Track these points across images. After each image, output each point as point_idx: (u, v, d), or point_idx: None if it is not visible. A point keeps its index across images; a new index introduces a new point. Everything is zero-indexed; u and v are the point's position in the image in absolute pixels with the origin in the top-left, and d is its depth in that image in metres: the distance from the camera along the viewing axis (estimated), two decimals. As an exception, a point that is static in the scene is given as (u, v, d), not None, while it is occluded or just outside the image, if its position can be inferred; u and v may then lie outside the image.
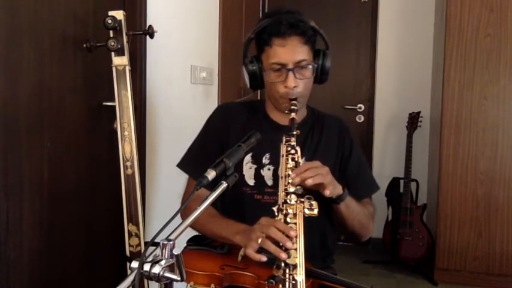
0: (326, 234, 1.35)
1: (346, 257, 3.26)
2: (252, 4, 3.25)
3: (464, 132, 2.85)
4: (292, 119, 1.21)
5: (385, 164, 3.56)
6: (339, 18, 3.63)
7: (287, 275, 0.97)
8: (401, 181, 3.16)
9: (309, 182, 1.07)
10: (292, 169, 1.11)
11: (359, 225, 1.29)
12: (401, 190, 3.15)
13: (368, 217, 1.32)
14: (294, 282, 0.96)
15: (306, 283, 1.02)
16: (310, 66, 1.25)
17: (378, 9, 3.56)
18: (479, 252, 2.86)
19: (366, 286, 1.05)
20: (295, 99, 1.24)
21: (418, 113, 3.19)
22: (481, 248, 2.85)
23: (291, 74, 1.21)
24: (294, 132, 1.18)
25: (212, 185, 0.92)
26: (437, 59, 3.16)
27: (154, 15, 1.85)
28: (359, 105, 3.63)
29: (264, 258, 1.01)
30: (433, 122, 3.27)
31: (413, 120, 3.17)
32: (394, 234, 3.08)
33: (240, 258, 1.11)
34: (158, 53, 1.92)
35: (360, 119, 3.64)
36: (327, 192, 1.11)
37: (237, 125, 1.35)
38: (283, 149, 1.16)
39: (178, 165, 1.38)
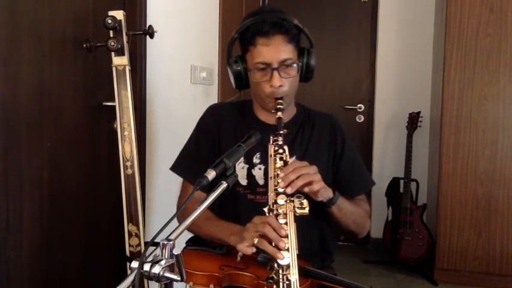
0: (325, 234, 1.35)
1: (346, 257, 3.26)
2: (252, 4, 3.24)
3: (464, 132, 2.85)
4: (279, 118, 1.20)
5: (385, 164, 3.55)
6: (339, 18, 3.63)
7: (280, 276, 0.97)
8: (401, 181, 3.16)
9: (288, 190, 1.06)
10: (280, 168, 1.11)
11: (354, 225, 1.29)
12: (401, 190, 3.15)
13: (363, 216, 1.31)
14: (287, 282, 0.96)
15: (304, 283, 1.03)
16: (295, 65, 1.24)
17: (378, 9, 3.55)
18: (479, 252, 2.86)
19: (365, 286, 1.05)
20: (281, 98, 1.23)
21: (418, 113, 3.19)
22: (481, 248, 2.85)
23: (275, 73, 1.21)
24: (281, 132, 1.17)
25: (208, 187, 0.92)
26: (437, 59, 3.15)
27: (154, 15, 1.85)
28: (359, 105, 3.63)
29: (253, 250, 1.02)
30: (433, 122, 3.27)
31: (413, 120, 3.17)
32: (394, 234, 3.08)
33: (239, 258, 1.11)
34: (158, 53, 1.92)
35: (360, 119, 3.63)
36: (315, 188, 1.11)
37: (227, 125, 1.35)
38: (270, 149, 1.16)
39: (171, 169, 1.38)
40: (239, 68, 1.27)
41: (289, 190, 1.06)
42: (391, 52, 3.55)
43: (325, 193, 1.17)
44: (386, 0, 3.54)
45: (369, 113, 3.63)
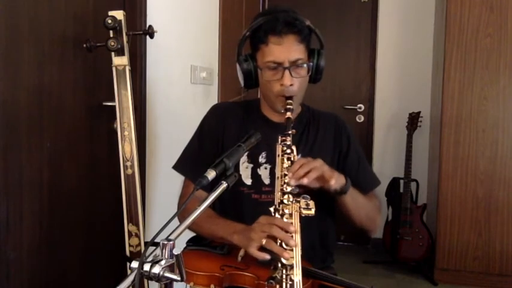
0: (326, 234, 1.35)
1: (346, 257, 3.26)
2: (252, 4, 3.25)
3: (464, 132, 2.85)
4: (288, 118, 1.20)
5: (385, 164, 3.55)
6: (339, 18, 3.63)
7: (284, 276, 0.97)
8: (401, 181, 3.16)
9: (305, 181, 1.07)
10: (288, 169, 1.11)
11: (366, 218, 1.28)
12: (401, 190, 3.15)
13: (374, 210, 1.32)
14: (291, 282, 0.96)
15: (305, 283, 1.02)
16: (306, 65, 1.25)
17: (378, 9, 3.56)
18: (479, 252, 2.86)
19: (365, 286, 1.05)
20: (290, 98, 1.23)
21: (418, 113, 3.19)
22: (481, 248, 2.85)
23: (287, 72, 1.21)
24: (290, 132, 1.17)
25: (210, 186, 0.92)
26: (437, 59, 3.15)
27: (154, 15, 1.85)
28: (359, 105, 3.63)
29: (268, 257, 1.01)
30: (433, 122, 3.27)
31: (413, 120, 3.17)
32: (394, 234, 3.08)
33: (239, 258, 1.11)
34: (158, 53, 1.92)
35: (360, 119, 3.63)
36: (332, 182, 1.11)
37: (232, 125, 1.35)
38: (278, 149, 1.16)
39: (174, 167, 1.37)
40: (249, 66, 1.27)
41: (305, 181, 1.06)
42: (391, 52, 3.55)
43: (339, 179, 1.17)
44: (387, 0, 3.54)
45: (369, 113, 3.63)
